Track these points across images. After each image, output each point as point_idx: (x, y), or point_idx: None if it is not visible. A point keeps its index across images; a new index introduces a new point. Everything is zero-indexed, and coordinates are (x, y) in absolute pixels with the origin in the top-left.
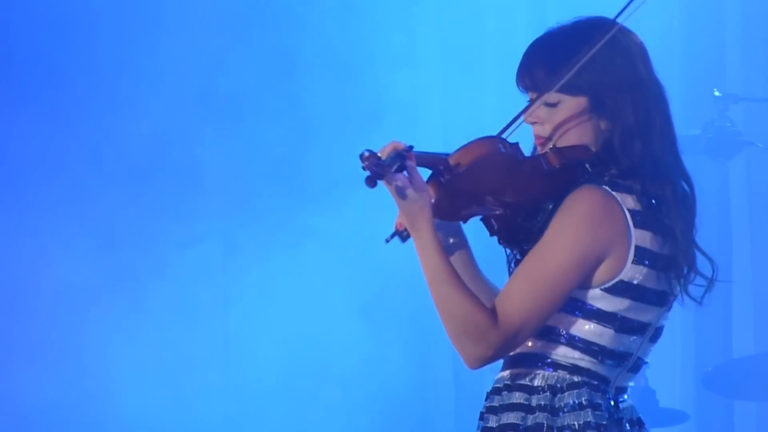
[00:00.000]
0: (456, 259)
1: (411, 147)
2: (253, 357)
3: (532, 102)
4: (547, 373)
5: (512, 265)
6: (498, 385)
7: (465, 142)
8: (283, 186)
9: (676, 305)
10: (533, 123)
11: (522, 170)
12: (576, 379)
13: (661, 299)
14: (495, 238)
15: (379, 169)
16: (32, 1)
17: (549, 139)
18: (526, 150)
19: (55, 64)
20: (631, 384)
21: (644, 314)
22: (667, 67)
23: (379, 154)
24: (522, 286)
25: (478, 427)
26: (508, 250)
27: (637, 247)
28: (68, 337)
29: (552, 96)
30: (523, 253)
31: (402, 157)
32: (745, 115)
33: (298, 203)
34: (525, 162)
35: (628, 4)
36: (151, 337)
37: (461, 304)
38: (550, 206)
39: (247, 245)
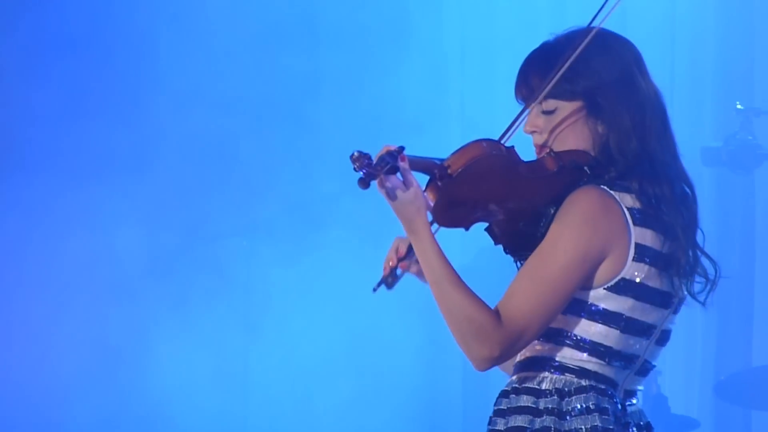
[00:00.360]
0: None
1: (402, 148)
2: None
3: (523, 110)
4: (554, 376)
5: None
6: (506, 388)
7: (460, 146)
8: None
9: (698, 312)
10: (532, 132)
11: (519, 173)
12: (584, 383)
13: (664, 300)
14: (500, 246)
15: (370, 169)
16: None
17: (546, 144)
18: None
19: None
20: (640, 388)
21: (648, 315)
22: (698, 79)
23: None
24: (525, 287)
25: (487, 430)
26: (515, 259)
27: (637, 245)
28: (99, 331)
29: (548, 103)
30: (524, 254)
31: (393, 158)
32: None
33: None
34: (522, 165)
35: (604, 4)
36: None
37: (464, 305)
38: (552, 210)
39: (272, 242)
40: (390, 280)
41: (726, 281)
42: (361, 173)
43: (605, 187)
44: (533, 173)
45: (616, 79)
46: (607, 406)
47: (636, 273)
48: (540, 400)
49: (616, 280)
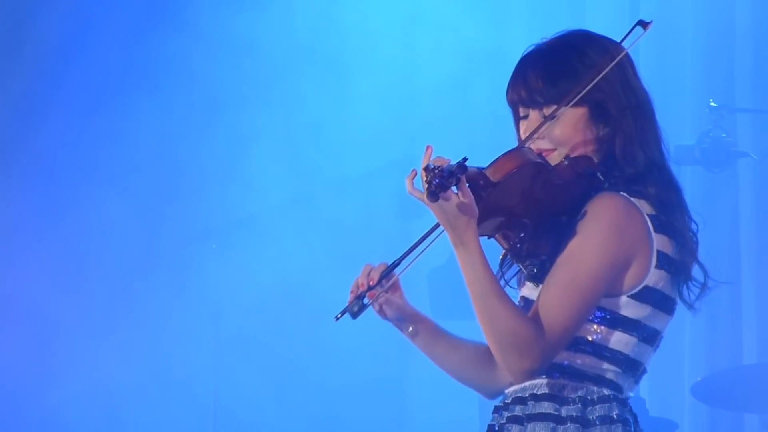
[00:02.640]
0: (425, 337)
1: (465, 159)
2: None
3: (543, 122)
4: (575, 384)
5: (522, 278)
6: (522, 395)
7: (498, 156)
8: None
9: (687, 315)
10: (534, 139)
11: (547, 181)
12: (606, 392)
13: (672, 307)
14: (506, 252)
15: (443, 180)
16: None
17: (552, 150)
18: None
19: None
20: (632, 394)
21: (659, 322)
22: (679, 77)
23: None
24: (558, 295)
25: None
26: (519, 265)
27: (658, 252)
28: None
29: (551, 109)
30: (541, 265)
31: (462, 170)
32: (744, 126)
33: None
34: (550, 173)
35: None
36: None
37: (508, 318)
38: (564, 218)
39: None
40: (356, 309)
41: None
42: (433, 185)
43: (625, 194)
44: (559, 179)
45: (616, 84)
46: (628, 417)
47: (658, 281)
48: (563, 407)
49: (640, 287)
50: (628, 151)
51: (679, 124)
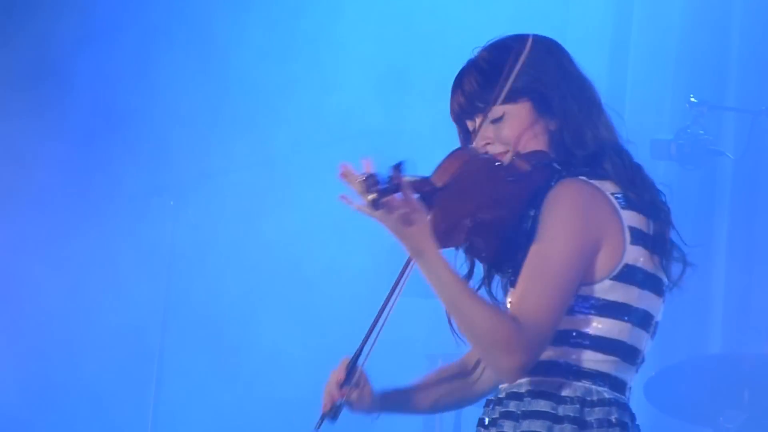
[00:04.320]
0: (401, 408)
1: (402, 163)
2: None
3: (475, 124)
4: (572, 382)
5: (508, 286)
6: (518, 390)
7: (440, 161)
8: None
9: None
10: (485, 145)
11: (500, 177)
12: (606, 394)
13: (658, 286)
14: (485, 266)
15: (383, 186)
16: None
17: (506, 152)
18: None
19: None
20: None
21: (649, 304)
22: (655, 70)
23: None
24: (534, 287)
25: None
26: (498, 274)
27: (630, 228)
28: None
29: (495, 111)
30: (517, 265)
31: (398, 170)
32: (728, 125)
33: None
34: (501, 168)
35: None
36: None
37: (483, 318)
38: (532, 212)
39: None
40: (332, 413)
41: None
42: (375, 195)
43: (584, 178)
44: (512, 175)
45: (555, 70)
46: (627, 421)
47: (637, 257)
48: (560, 406)
49: (619, 267)
50: (577, 137)
51: (668, 119)
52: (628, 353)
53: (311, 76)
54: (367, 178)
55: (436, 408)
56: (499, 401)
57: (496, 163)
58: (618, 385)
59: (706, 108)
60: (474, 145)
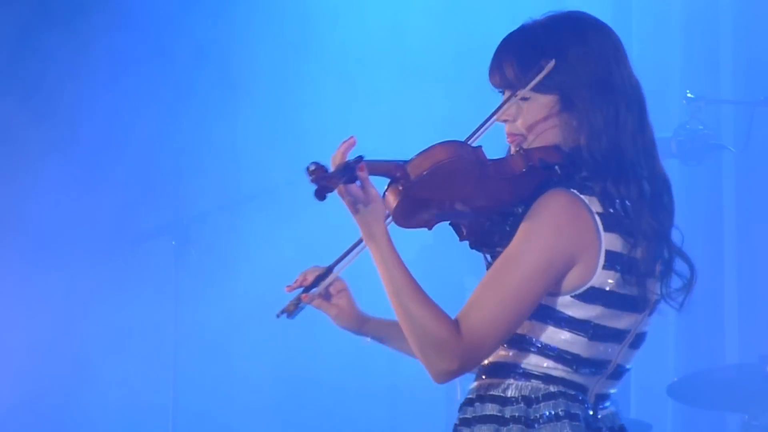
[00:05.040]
0: (377, 335)
1: (361, 157)
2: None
3: (504, 101)
4: (519, 383)
5: (487, 269)
6: (470, 396)
7: (424, 148)
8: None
9: (670, 313)
10: (504, 121)
11: (487, 174)
12: (552, 389)
13: (637, 305)
14: (466, 243)
15: (326, 182)
16: None
17: (522, 136)
18: (498, 149)
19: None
20: (613, 391)
21: (619, 321)
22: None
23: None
24: (487, 297)
25: None
26: (483, 253)
27: (607, 252)
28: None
29: (525, 92)
30: (496, 256)
31: (351, 169)
32: (726, 118)
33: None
34: (490, 166)
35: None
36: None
37: (422, 316)
38: (520, 210)
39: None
40: (291, 308)
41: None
42: (316, 186)
43: (575, 191)
44: (501, 173)
45: (592, 75)
46: (577, 412)
47: (606, 281)
48: (506, 408)
49: (584, 288)
50: (592, 143)
51: (666, 116)
52: (583, 364)
53: (311, 108)
54: (314, 170)
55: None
56: (461, 407)
57: (482, 160)
58: (572, 386)
59: (704, 103)
60: (496, 118)
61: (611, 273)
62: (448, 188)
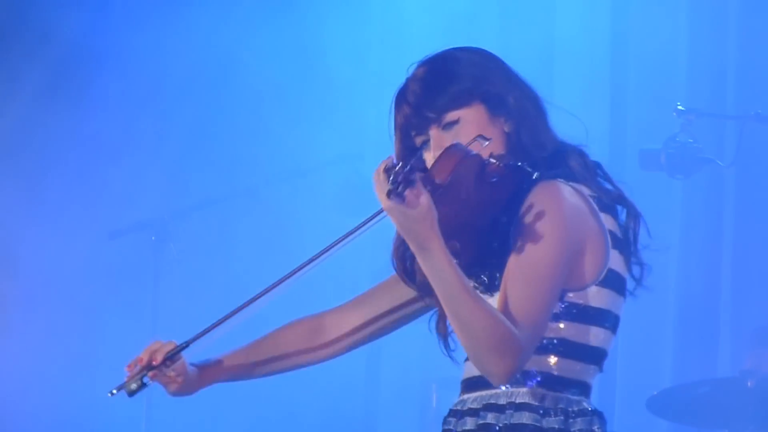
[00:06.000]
0: (235, 375)
1: (421, 154)
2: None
3: (427, 142)
4: (556, 394)
5: (482, 288)
6: (496, 402)
7: (437, 157)
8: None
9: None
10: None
11: (485, 177)
12: (585, 405)
13: (626, 287)
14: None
15: (407, 176)
16: None
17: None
18: None
19: None
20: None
21: (619, 306)
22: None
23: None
24: (524, 291)
25: None
26: (472, 279)
27: (609, 232)
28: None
29: (449, 116)
30: (492, 273)
31: (413, 169)
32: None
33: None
34: (486, 168)
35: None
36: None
37: (481, 318)
38: (504, 218)
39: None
40: (134, 387)
41: (690, 293)
42: (396, 183)
43: (562, 180)
44: (495, 175)
45: (501, 71)
46: (607, 431)
47: (616, 262)
48: (544, 419)
49: (605, 272)
50: (536, 138)
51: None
52: (604, 360)
53: (295, 106)
54: (387, 168)
55: (264, 371)
56: (472, 412)
57: (484, 162)
58: (588, 391)
59: (694, 116)
60: (433, 158)
61: (615, 253)
62: (463, 194)
